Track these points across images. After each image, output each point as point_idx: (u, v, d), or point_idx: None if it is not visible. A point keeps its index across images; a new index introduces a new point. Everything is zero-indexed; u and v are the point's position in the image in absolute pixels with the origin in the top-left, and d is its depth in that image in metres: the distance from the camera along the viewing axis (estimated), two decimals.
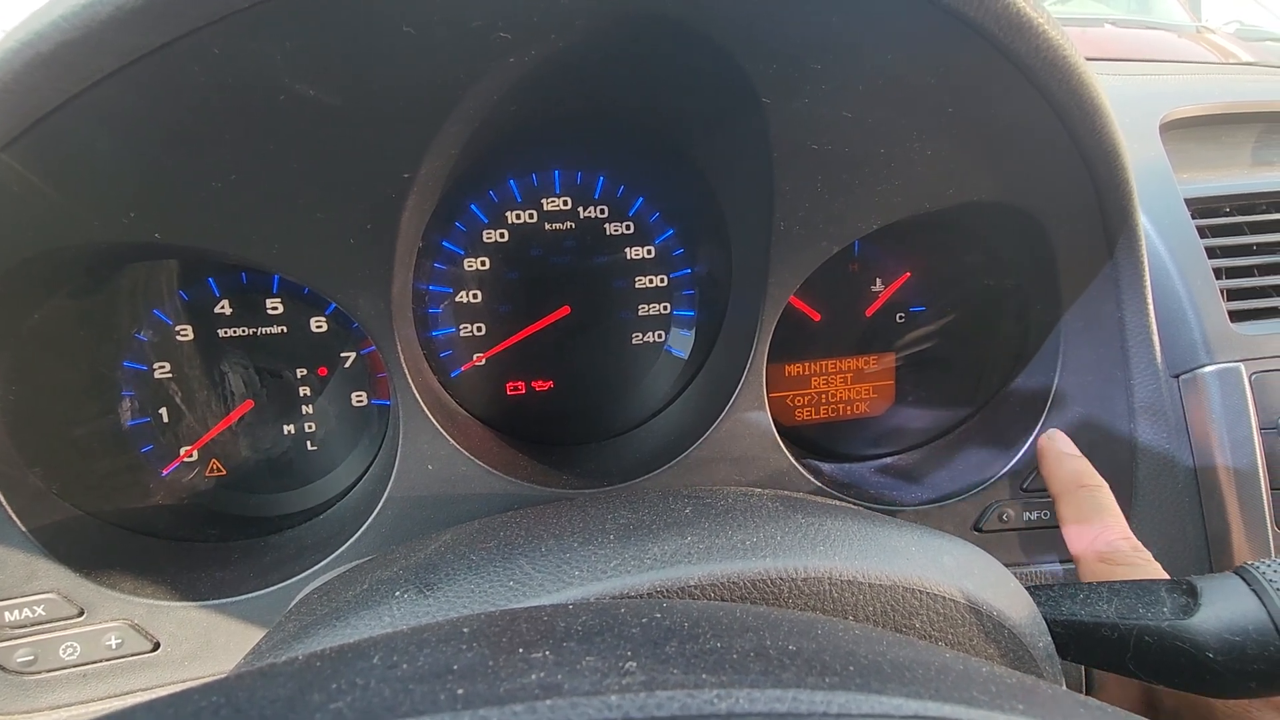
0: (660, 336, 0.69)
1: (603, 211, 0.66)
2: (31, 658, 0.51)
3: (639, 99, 0.53)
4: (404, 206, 0.47)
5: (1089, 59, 0.47)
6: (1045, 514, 0.64)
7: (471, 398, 0.67)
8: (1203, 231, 0.70)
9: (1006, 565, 0.43)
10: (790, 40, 0.43)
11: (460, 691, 0.20)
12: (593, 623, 0.26)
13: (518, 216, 0.64)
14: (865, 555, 0.38)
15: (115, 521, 0.57)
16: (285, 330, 0.62)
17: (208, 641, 0.54)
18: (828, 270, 0.63)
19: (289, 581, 0.54)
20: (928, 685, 0.23)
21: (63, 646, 0.52)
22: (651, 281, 0.68)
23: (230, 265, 0.59)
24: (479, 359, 0.66)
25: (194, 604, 0.53)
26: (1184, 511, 0.63)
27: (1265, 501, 0.62)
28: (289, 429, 0.64)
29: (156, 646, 0.53)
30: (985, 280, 0.69)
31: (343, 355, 0.63)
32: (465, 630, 0.26)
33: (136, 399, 0.60)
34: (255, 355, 0.62)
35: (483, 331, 0.66)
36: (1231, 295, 0.68)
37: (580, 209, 0.65)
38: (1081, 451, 0.60)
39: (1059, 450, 0.60)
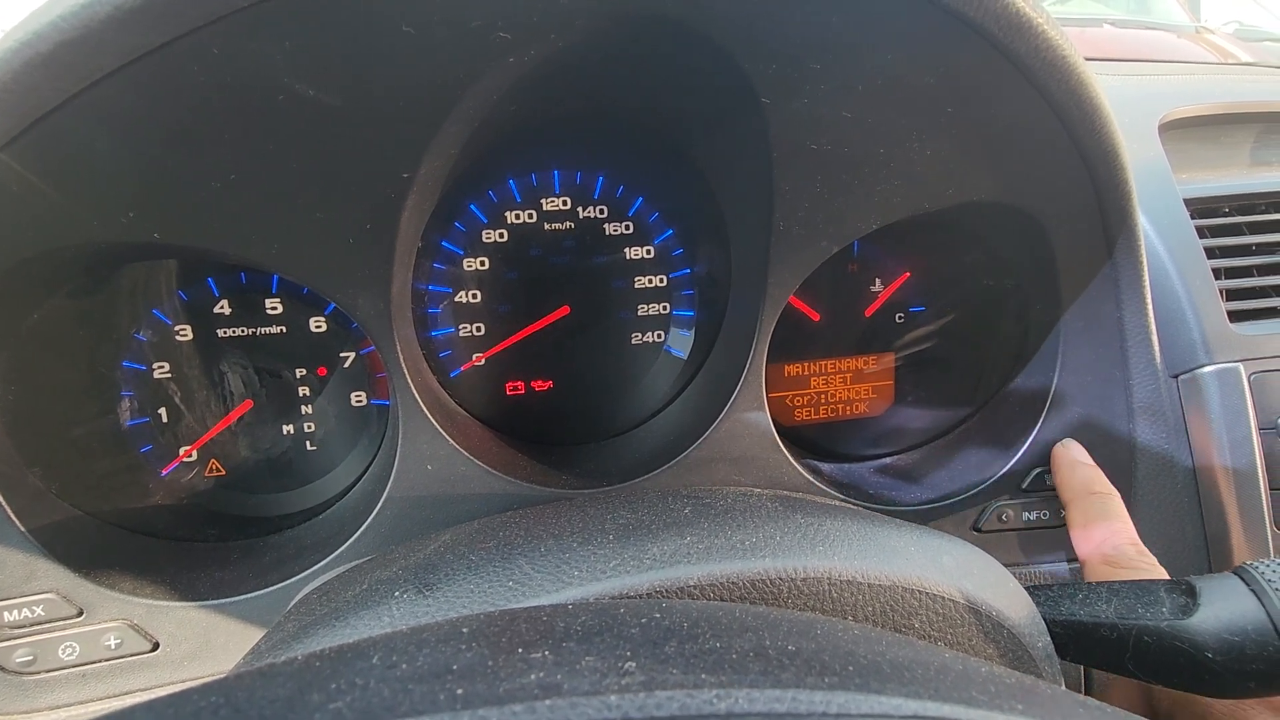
0: (659, 336, 0.69)
1: (602, 211, 0.66)
2: (31, 658, 0.51)
3: (639, 99, 0.53)
4: (403, 206, 0.47)
5: (1088, 59, 0.47)
6: (1044, 514, 0.64)
7: (471, 398, 0.67)
8: (1202, 232, 0.70)
9: (1006, 565, 0.43)
10: (790, 40, 0.43)
11: (460, 691, 0.20)
12: (592, 623, 0.26)
13: (517, 216, 0.64)
14: (864, 555, 0.38)
15: (114, 521, 0.57)
16: (284, 330, 0.62)
17: (207, 641, 0.54)
18: (827, 270, 0.63)
19: (288, 581, 0.54)
20: (927, 685, 0.23)
21: (62, 646, 0.52)
22: (651, 281, 0.68)
23: (229, 265, 0.59)
24: (478, 359, 0.66)
25: (193, 604, 0.53)
26: (1183, 511, 0.63)
27: (1264, 501, 0.62)
28: (288, 429, 0.64)
29: (156, 646, 0.53)
30: (984, 280, 0.69)
31: (342, 355, 0.63)
32: (465, 630, 0.26)
33: (136, 399, 0.60)
34: (254, 355, 0.62)
35: (482, 331, 0.66)
36: (1230, 295, 0.68)
37: (580, 209, 0.65)
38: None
39: (1072, 458, 0.60)
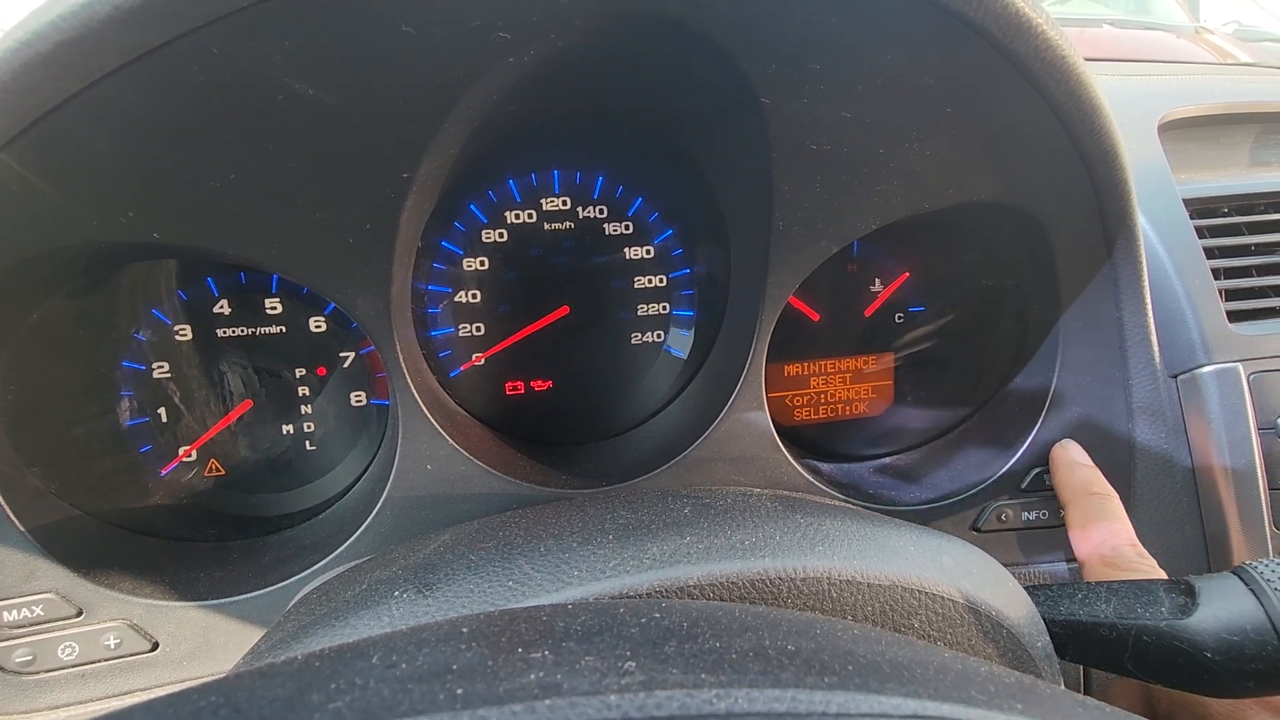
0: (659, 336, 0.69)
1: (602, 211, 0.66)
2: (30, 658, 0.51)
3: (639, 99, 0.53)
4: (403, 206, 0.47)
5: (1088, 59, 0.47)
6: (1044, 514, 0.64)
7: (470, 397, 0.67)
8: (1201, 232, 0.70)
9: (1005, 565, 0.43)
10: (790, 40, 0.43)
11: (459, 691, 0.20)
12: (592, 623, 0.26)
13: (517, 216, 0.64)
14: (864, 555, 0.38)
15: (114, 521, 0.57)
16: (284, 330, 0.62)
17: (206, 641, 0.54)
18: (827, 270, 0.63)
19: (288, 581, 0.54)
20: (926, 685, 0.23)
21: (61, 646, 0.52)
22: (650, 281, 0.68)
23: (229, 265, 0.59)
24: (478, 359, 0.66)
25: (193, 604, 0.53)
26: (1182, 511, 0.63)
27: (1263, 501, 0.62)
28: (288, 429, 0.64)
29: (155, 646, 0.53)
30: (984, 280, 0.70)
31: (342, 355, 0.63)
32: (464, 630, 0.26)
33: (135, 399, 0.60)
34: (254, 355, 0.62)
35: (482, 331, 0.66)
36: (1230, 295, 0.68)
37: (579, 209, 0.65)
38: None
39: (1071, 459, 0.61)
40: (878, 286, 0.71)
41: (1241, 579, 0.41)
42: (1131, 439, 0.62)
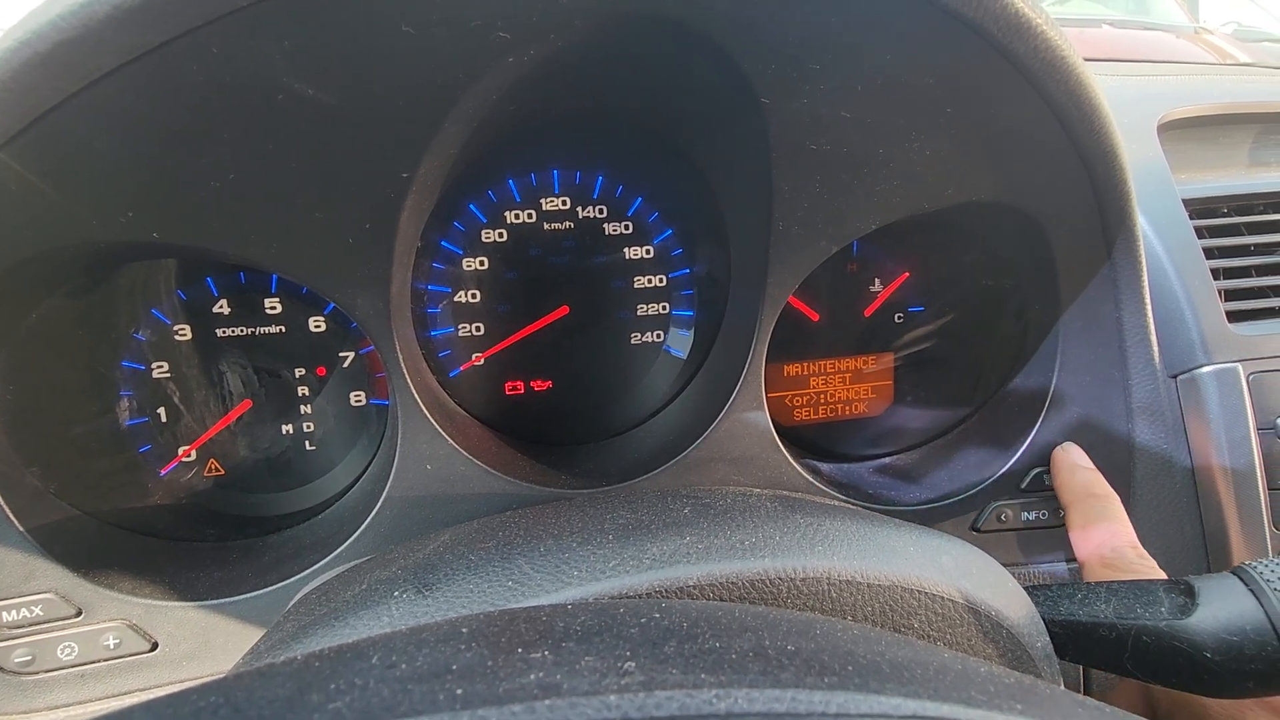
0: (659, 336, 0.69)
1: (601, 211, 0.66)
2: (29, 658, 0.51)
3: (638, 99, 0.53)
4: (403, 206, 0.47)
5: (1087, 60, 0.47)
6: (1043, 514, 0.64)
7: (470, 397, 0.67)
8: (1200, 232, 0.70)
9: (1005, 565, 0.43)
10: (789, 40, 0.43)
11: (459, 692, 0.20)
12: (591, 623, 0.26)
13: (516, 216, 0.64)
14: (864, 555, 0.38)
15: (113, 521, 0.57)
16: (284, 330, 0.62)
17: (206, 641, 0.54)
18: (826, 270, 0.63)
19: (287, 581, 0.54)
20: (926, 685, 0.23)
21: (61, 646, 0.51)
22: (650, 281, 0.68)
23: (229, 265, 0.59)
24: (478, 359, 0.66)
25: (192, 604, 0.53)
26: (1181, 511, 0.63)
27: (1262, 501, 0.62)
28: (287, 429, 0.64)
29: (155, 646, 0.53)
30: (984, 280, 0.70)
31: (341, 355, 0.63)
32: (464, 630, 0.26)
33: (135, 398, 0.60)
34: (253, 355, 0.62)
35: (481, 331, 0.66)
36: (1229, 296, 0.68)
37: (579, 209, 0.65)
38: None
39: (1071, 461, 0.61)
40: (877, 286, 0.71)
41: (1241, 579, 0.41)
42: (1131, 439, 0.62)
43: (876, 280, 0.71)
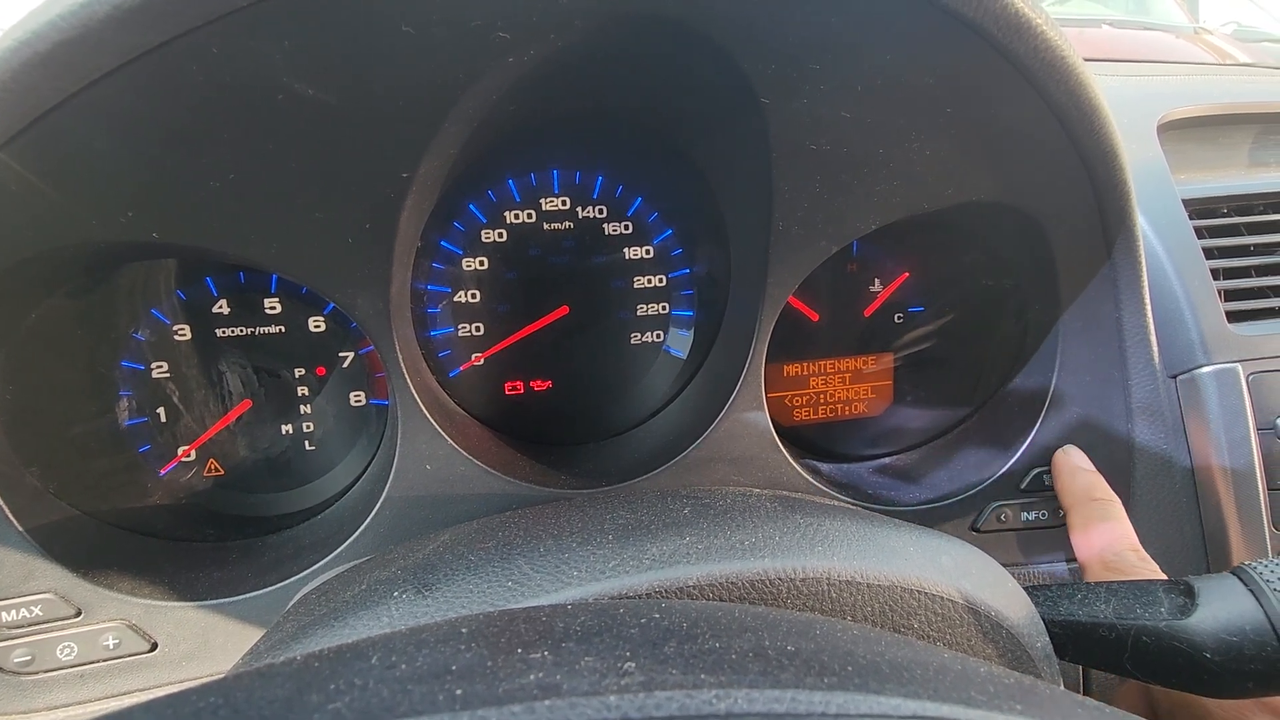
0: (659, 336, 0.69)
1: (601, 211, 0.66)
2: (29, 658, 0.51)
3: (638, 99, 0.53)
4: (403, 206, 0.47)
5: (1087, 60, 0.47)
6: (1043, 514, 0.64)
7: (470, 397, 0.67)
8: (1200, 232, 0.70)
9: (1004, 565, 0.43)
10: (789, 40, 0.43)
11: (459, 692, 0.20)
12: (591, 623, 0.26)
13: (516, 216, 0.64)
14: (863, 555, 0.38)
15: (113, 521, 0.57)
16: (283, 330, 0.62)
17: (205, 642, 0.54)
18: (826, 270, 0.63)
19: (287, 581, 0.54)
20: (926, 685, 0.23)
21: (60, 647, 0.51)
22: (650, 281, 0.68)
23: (228, 265, 0.59)
24: (477, 359, 0.66)
25: (192, 604, 0.53)
26: (1181, 512, 0.63)
27: (1262, 501, 0.62)
28: (287, 429, 0.64)
29: (154, 647, 0.53)
30: (983, 280, 0.70)
31: (341, 355, 0.63)
32: (464, 630, 0.26)
33: (134, 398, 0.60)
34: (253, 355, 0.62)
35: (481, 331, 0.66)
36: (1229, 296, 0.68)
37: (579, 209, 0.65)
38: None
39: (1073, 464, 0.61)
40: (877, 286, 0.71)
41: (1240, 579, 0.41)
42: (1131, 439, 0.62)
43: (876, 280, 0.71)
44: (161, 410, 0.60)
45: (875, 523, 0.43)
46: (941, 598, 0.37)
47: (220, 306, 0.60)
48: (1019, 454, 0.63)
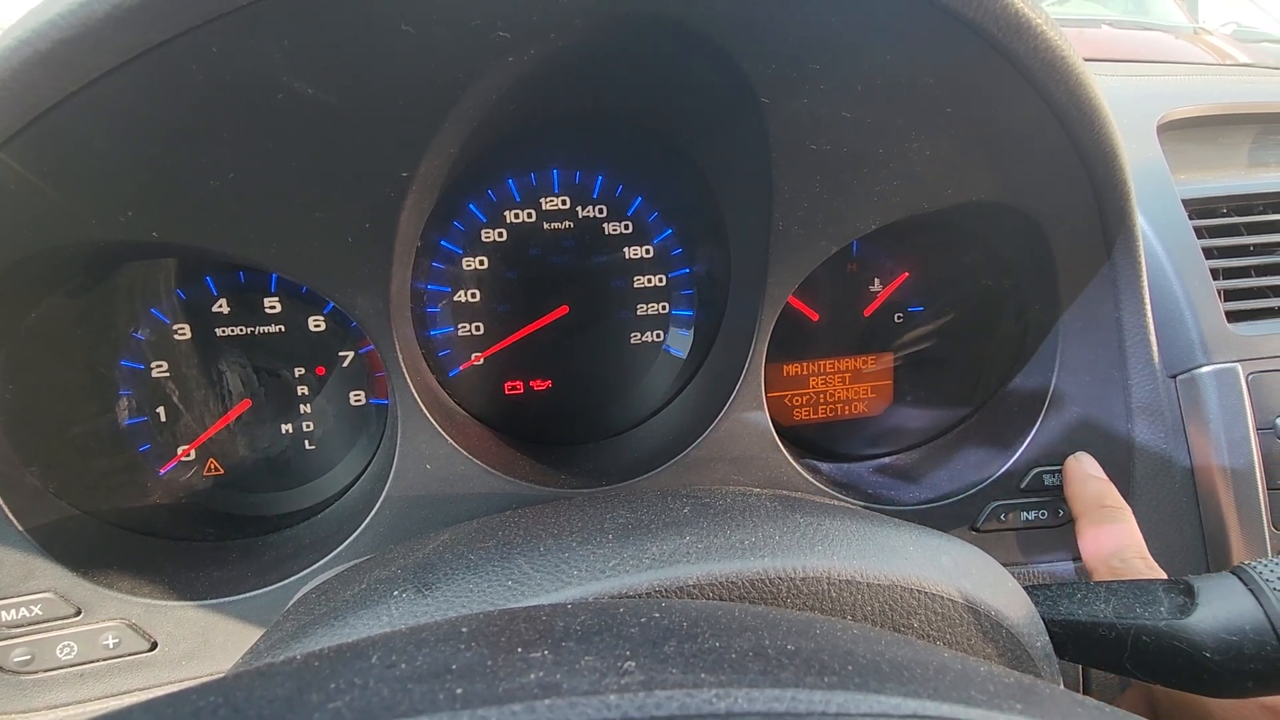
0: (659, 336, 0.69)
1: (601, 211, 0.66)
2: (28, 657, 0.51)
3: (639, 99, 0.53)
4: (403, 205, 0.47)
5: (1087, 60, 0.47)
6: (1043, 514, 0.64)
7: (470, 397, 0.67)
8: (1200, 232, 0.70)
9: (1004, 565, 0.43)
10: (789, 40, 0.43)
11: (459, 691, 0.20)
12: (591, 622, 0.26)
13: (516, 216, 0.64)
14: (863, 555, 0.38)
15: (113, 521, 0.57)
16: (283, 329, 0.62)
17: (205, 641, 0.54)
18: (826, 270, 0.63)
19: (287, 581, 0.54)
20: (926, 685, 0.23)
21: (60, 646, 0.51)
22: (650, 281, 0.68)
23: (228, 264, 0.59)
24: (477, 358, 0.66)
25: (192, 603, 0.53)
26: (1181, 511, 0.63)
27: (1262, 501, 0.62)
28: (287, 428, 0.64)
29: (154, 646, 0.53)
30: (983, 280, 0.70)
31: (341, 354, 0.63)
32: (464, 630, 0.26)
33: (134, 398, 0.60)
34: (253, 354, 0.62)
35: (481, 331, 0.66)
36: (1229, 296, 0.68)
37: (579, 208, 0.65)
38: (1079, 451, 0.61)
39: (1085, 472, 0.61)
40: (877, 286, 0.71)
41: (1240, 579, 0.41)
42: (1130, 439, 0.62)
43: (876, 280, 0.71)
44: (161, 410, 0.60)
45: (875, 522, 0.43)
46: (941, 597, 0.37)
47: (220, 306, 0.60)
48: (1019, 454, 0.63)
